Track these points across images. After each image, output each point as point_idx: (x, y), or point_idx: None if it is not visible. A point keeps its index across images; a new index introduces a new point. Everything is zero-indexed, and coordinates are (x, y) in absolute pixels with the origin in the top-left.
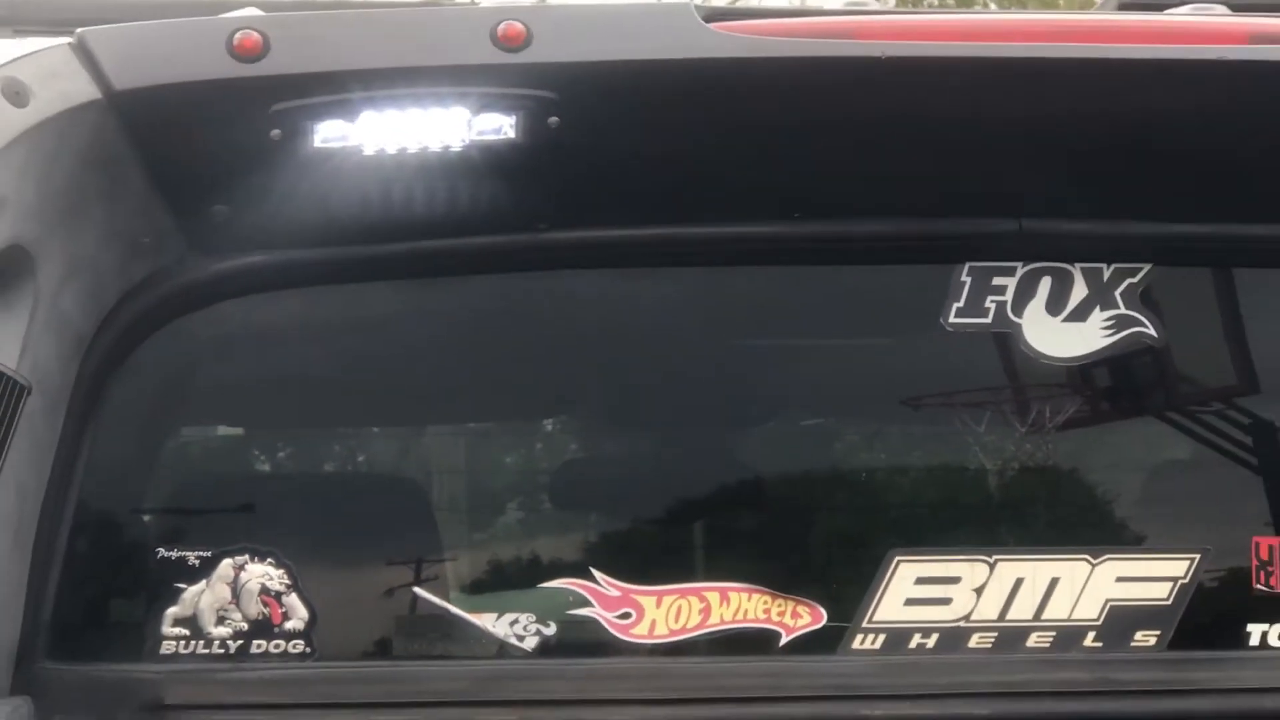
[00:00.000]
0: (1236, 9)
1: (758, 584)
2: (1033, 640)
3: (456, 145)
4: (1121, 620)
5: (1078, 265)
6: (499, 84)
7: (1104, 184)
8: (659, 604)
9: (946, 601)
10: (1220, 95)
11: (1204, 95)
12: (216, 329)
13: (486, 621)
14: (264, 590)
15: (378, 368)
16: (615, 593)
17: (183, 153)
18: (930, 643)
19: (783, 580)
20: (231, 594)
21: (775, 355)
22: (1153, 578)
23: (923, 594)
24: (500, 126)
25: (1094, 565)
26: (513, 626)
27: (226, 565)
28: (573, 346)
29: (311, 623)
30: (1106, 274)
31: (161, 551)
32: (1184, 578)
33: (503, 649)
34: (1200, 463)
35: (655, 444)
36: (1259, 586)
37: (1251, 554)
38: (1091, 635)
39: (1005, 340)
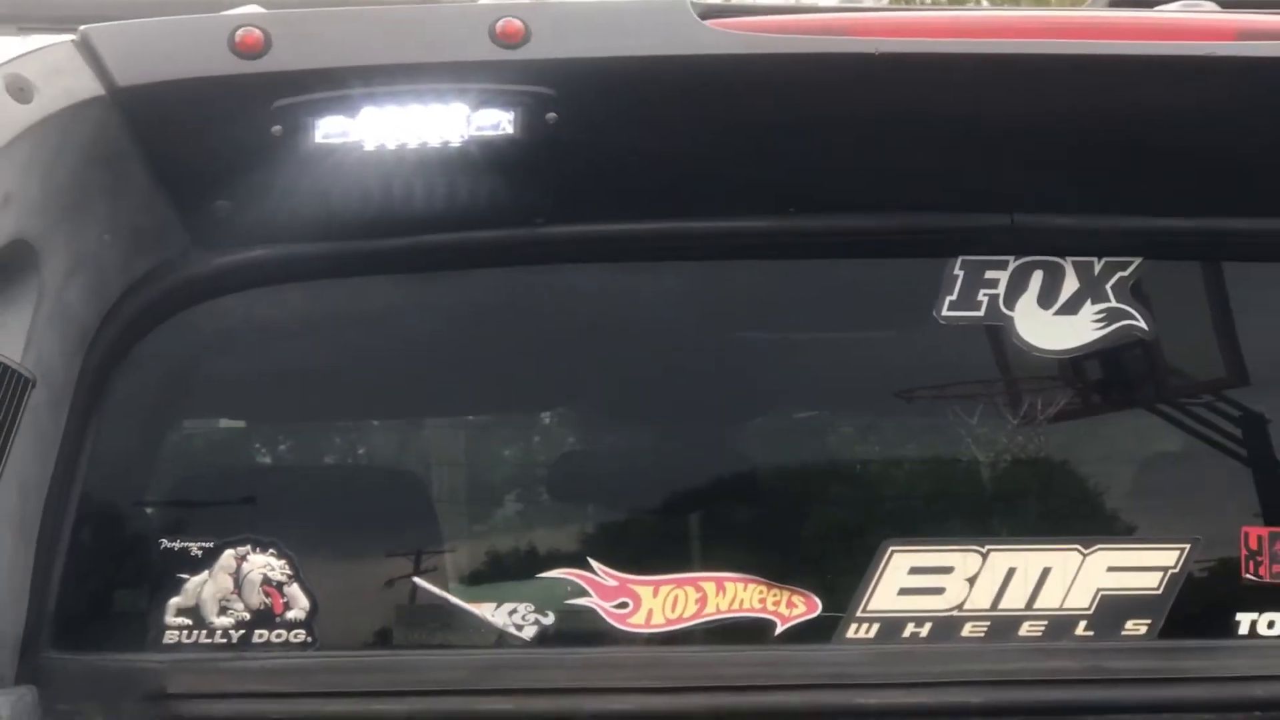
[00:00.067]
0: (1225, 6)
1: (753, 574)
2: (1025, 629)
3: (456, 141)
4: (1112, 609)
5: (1069, 259)
6: (498, 80)
7: (1095, 179)
8: (656, 594)
9: (940, 591)
10: (1209, 91)
11: (1193, 91)
12: (219, 323)
13: (485, 611)
14: (266, 580)
15: (378, 361)
16: (613, 582)
17: (185, 148)
18: (924, 632)
19: (778, 570)
20: (234, 584)
21: (770, 348)
22: (1143, 567)
23: (916, 584)
24: (499, 122)
25: (1085, 555)
26: (511, 616)
27: (228, 556)
28: (570, 340)
29: (313, 612)
30: (1097, 268)
31: (164, 542)
32: (1174, 567)
33: (501, 638)
34: (1190, 454)
35: (652, 436)
36: (1248, 576)
37: (1241, 544)
38: (1083, 624)
39: (997, 333)
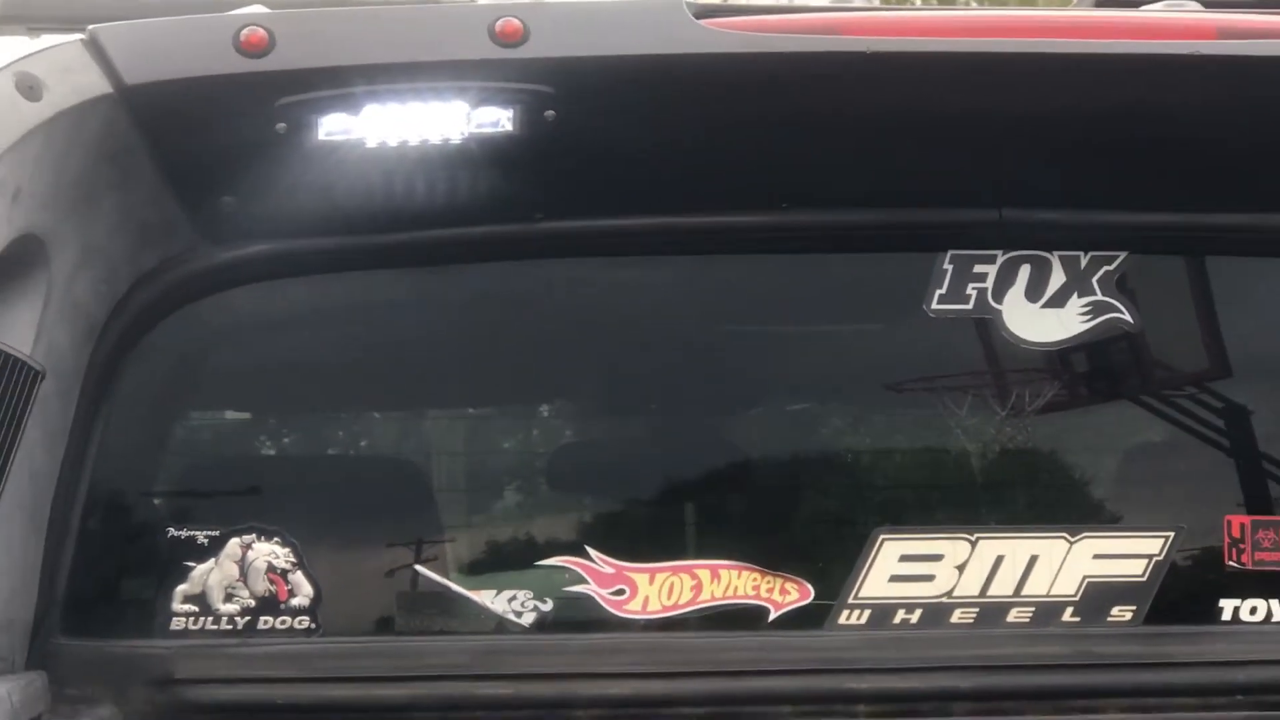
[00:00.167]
0: (1207, 5)
1: (747, 562)
2: (1013, 615)
3: (456, 138)
4: (1099, 596)
5: (1056, 253)
6: (497, 79)
7: (1081, 175)
8: (652, 581)
9: (930, 578)
10: (1192, 88)
11: (1176, 88)
12: (224, 316)
13: (485, 598)
14: (270, 568)
15: (380, 353)
16: (610, 570)
17: (191, 145)
18: (914, 618)
19: (771, 558)
20: (239, 572)
21: (763, 341)
22: (1129, 555)
23: (907, 571)
24: (498, 120)
25: (1072, 543)
26: (511, 603)
27: (234, 544)
28: (568, 333)
29: (317, 599)
30: (1084, 262)
31: (171, 531)
32: (1159, 555)
33: (501, 624)
34: (1174, 444)
35: (648, 427)
36: (1231, 563)
37: (1224, 532)
38: (1070, 610)
39: (986, 326)
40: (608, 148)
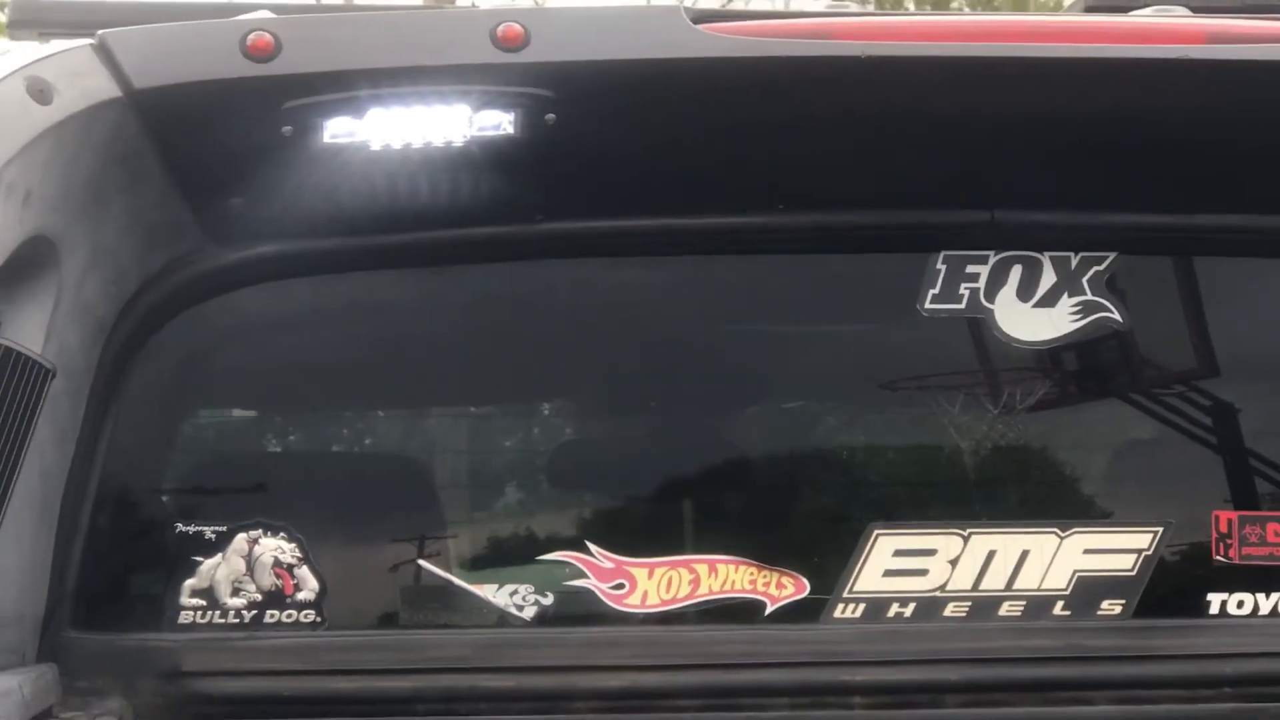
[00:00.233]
0: (1196, 10)
1: (744, 556)
2: (1004, 609)
3: (458, 141)
4: (1089, 590)
5: (1047, 254)
6: (499, 82)
7: (1072, 177)
8: (651, 575)
9: (923, 573)
10: (1180, 92)
11: (1165, 92)
12: (231, 315)
13: (487, 592)
14: (277, 563)
15: (384, 352)
16: (609, 564)
17: (199, 148)
18: (908, 612)
19: (768, 553)
20: (246, 566)
21: (760, 340)
22: (1118, 550)
23: (900, 565)
24: (500, 123)
25: (1062, 538)
26: (512, 597)
27: (241, 539)
28: (569, 332)
29: (322, 593)
30: (1074, 262)
31: (179, 526)
32: (1148, 550)
33: (503, 618)
34: (1163, 441)
35: (647, 425)
36: (1218, 558)
37: (1211, 527)
38: (1060, 604)
39: (978, 325)
40: (607, 150)
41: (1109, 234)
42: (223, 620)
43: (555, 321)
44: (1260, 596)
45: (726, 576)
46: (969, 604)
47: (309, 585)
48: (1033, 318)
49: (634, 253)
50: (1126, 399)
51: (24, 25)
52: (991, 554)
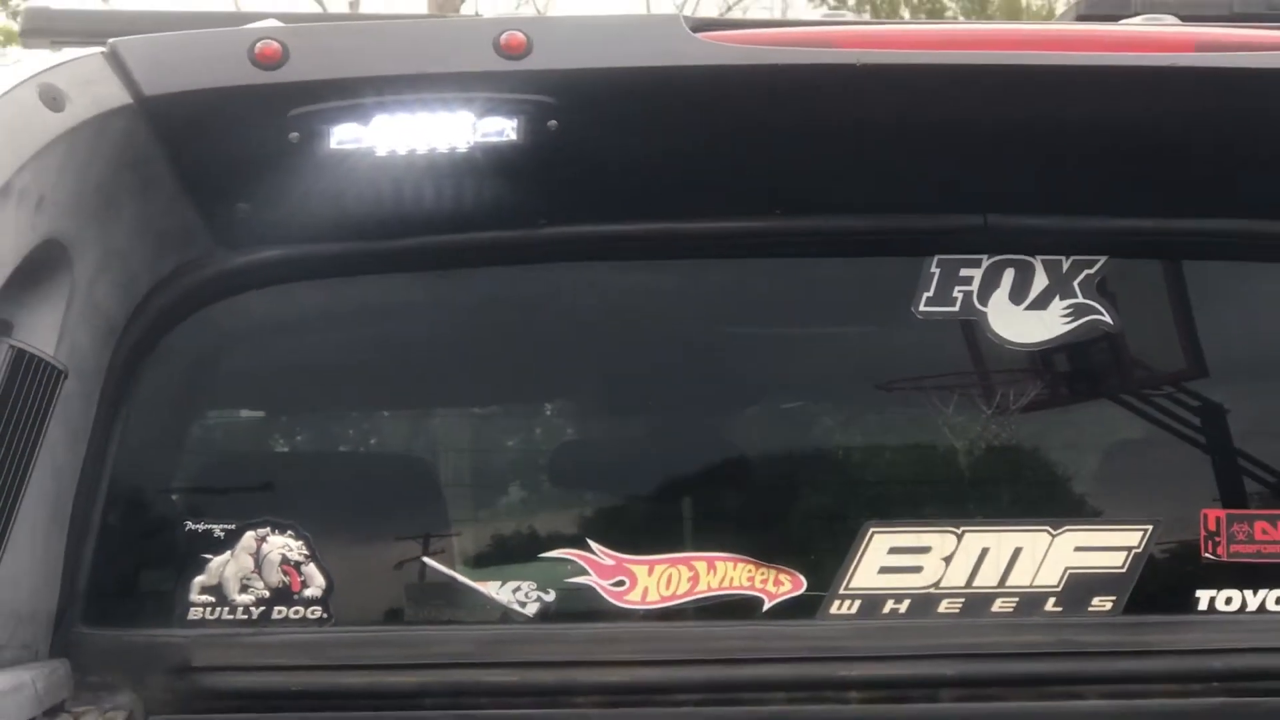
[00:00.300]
0: (1185, 19)
1: (742, 554)
2: (997, 605)
3: (462, 147)
4: (1080, 587)
5: (1039, 257)
6: (501, 90)
7: (1063, 182)
8: (651, 572)
9: (917, 570)
10: (1170, 99)
11: (1155, 99)
12: (240, 318)
13: (490, 589)
14: (284, 560)
15: (389, 354)
16: (610, 562)
17: (208, 154)
18: (902, 608)
19: (765, 550)
20: (254, 564)
21: (758, 342)
22: (1109, 547)
23: (895, 563)
24: (503, 129)
25: (1054, 536)
26: (515, 593)
27: (249, 537)
28: (570, 335)
29: (329, 590)
30: (1065, 265)
31: (189, 524)
32: (1138, 547)
33: (506, 614)
34: (1153, 441)
35: (647, 425)
36: (1207, 555)
37: (1200, 525)
38: (1052, 601)
39: (972, 327)
40: (608, 156)
41: (1099, 238)
42: (231, 616)
43: (557, 324)
44: (1248, 593)
45: (725, 573)
46: (962, 600)
47: (316, 582)
48: (1025, 320)
49: (635, 256)
50: (1117, 399)
51: (36, 34)
52: (985, 551)
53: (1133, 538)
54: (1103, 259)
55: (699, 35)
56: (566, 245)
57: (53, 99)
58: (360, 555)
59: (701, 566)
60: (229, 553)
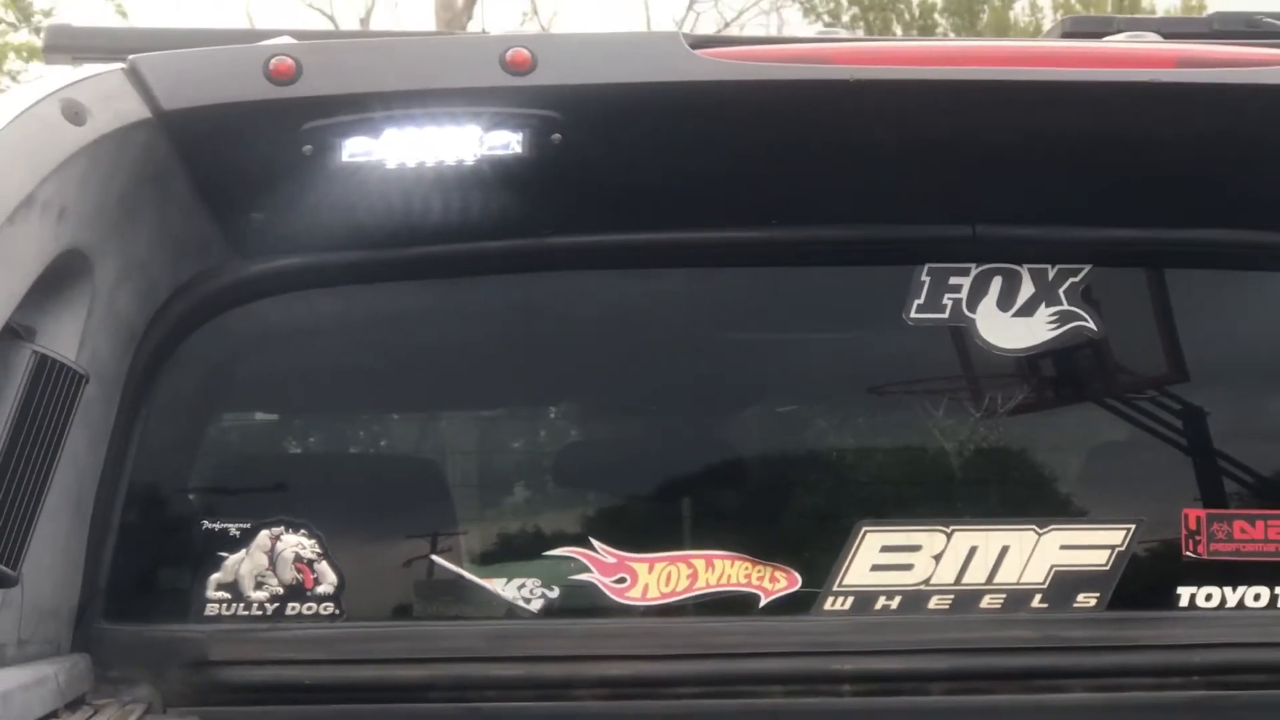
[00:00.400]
0: (1167, 36)
1: (739, 552)
2: (985, 602)
3: (469, 160)
4: (1065, 584)
5: (1026, 266)
6: (507, 104)
7: (1049, 193)
8: (651, 570)
9: (908, 568)
10: (1152, 114)
11: (1138, 113)
12: (255, 325)
13: (496, 586)
14: (298, 558)
15: (399, 359)
16: (612, 560)
17: (225, 166)
18: (894, 604)
19: (762, 548)
20: (268, 561)
21: (755, 348)
22: (1093, 546)
23: (887, 561)
24: (508, 143)
25: (1040, 535)
26: (520, 590)
27: (264, 536)
28: (574, 341)
29: (340, 587)
30: (1051, 274)
31: (205, 523)
32: (1121, 546)
33: (511, 610)
34: (1135, 443)
35: (648, 428)
36: (1188, 553)
37: (1181, 525)
38: (1038, 597)
39: (961, 334)
40: (611, 168)
41: (1084, 247)
42: (246, 612)
43: (561, 331)
44: (1228, 590)
45: (723, 571)
46: (952, 597)
47: (328, 579)
48: (1012, 326)
49: (636, 265)
50: (1101, 403)
51: (58, 50)
52: (973, 550)
53: (1116, 537)
54: (1087, 268)
55: (698, 52)
56: (570, 254)
57: (75, 113)
58: (371, 553)
59: (700, 564)
60: (244, 551)
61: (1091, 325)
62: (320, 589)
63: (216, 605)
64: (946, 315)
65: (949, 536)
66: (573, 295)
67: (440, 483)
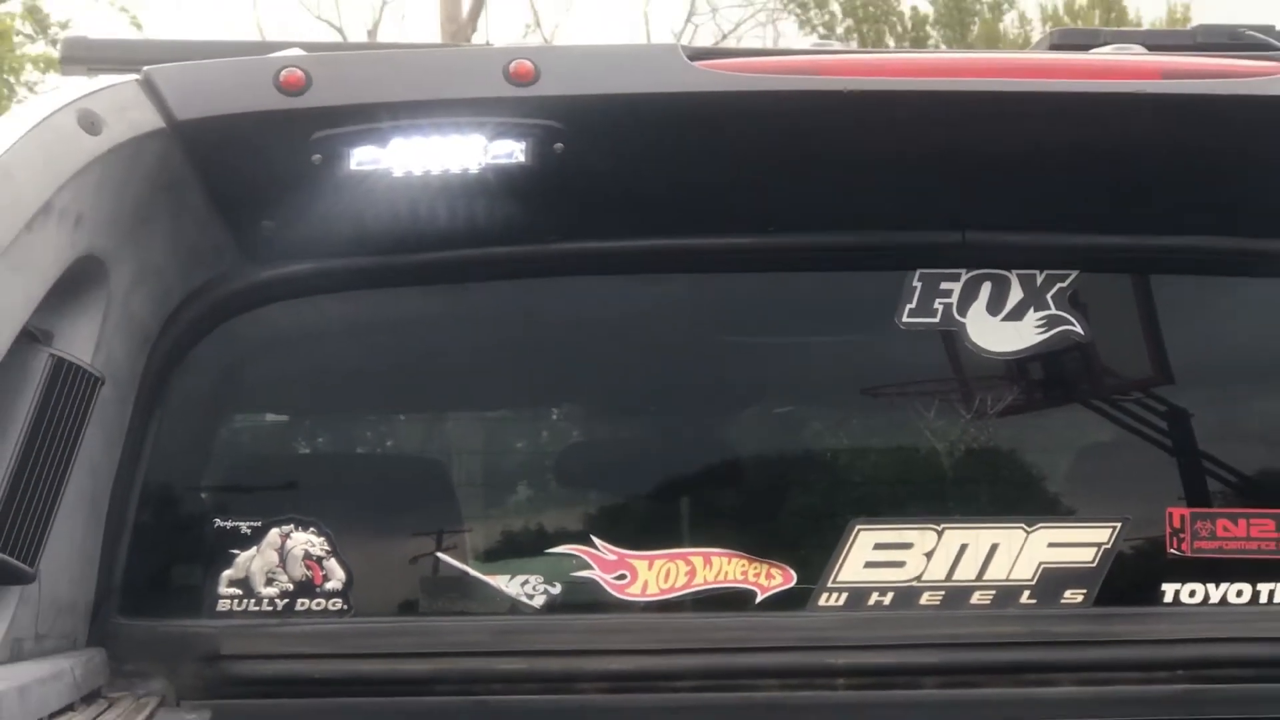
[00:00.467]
0: (1152, 49)
1: (736, 549)
2: (975, 598)
3: (474, 168)
4: (1053, 580)
5: (1014, 271)
6: (511, 115)
7: (1037, 200)
8: (650, 567)
9: (900, 565)
10: (1137, 123)
11: (1124, 124)
12: (265, 328)
13: (500, 582)
14: (307, 555)
15: (406, 362)
16: (612, 557)
17: (236, 175)
18: (886, 600)
19: (758, 546)
20: (279, 558)
21: (752, 350)
22: (1080, 543)
23: (880, 558)
24: (512, 152)
25: (1029, 533)
26: (523, 586)
27: (274, 534)
28: (576, 344)
29: (349, 583)
30: (1039, 279)
31: (217, 521)
32: (1107, 543)
33: (514, 606)
34: (1121, 444)
35: (648, 428)
36: (1172, 551)
37: (1166, 523)
38: (1027, 594)
39: (951, 337)
40: (611, 177)
41: (1071, 253)
42: (257, 608)
43: (563, 334)
44: (1210, 586)
45: (720, 568)
46: (943, 593)
47: (337, 576)
48: (1001, 330)
49: (636, 270)
50: (1087, 405)
51: (75, 62)
52: (964, 547)
53: (1102, 535)
54: (1074, 273)
55: (696, 63)
56: (571, 260)
57: (90, 123)
58: (378, 550)
59: (698, 561)
60: (255, 548)
61: (1078, 329)
62: (329, 585)
63: (228, 601)
64: (938, 319)
65: (940, 534)
66: (574, 300)
67: (445, 482)
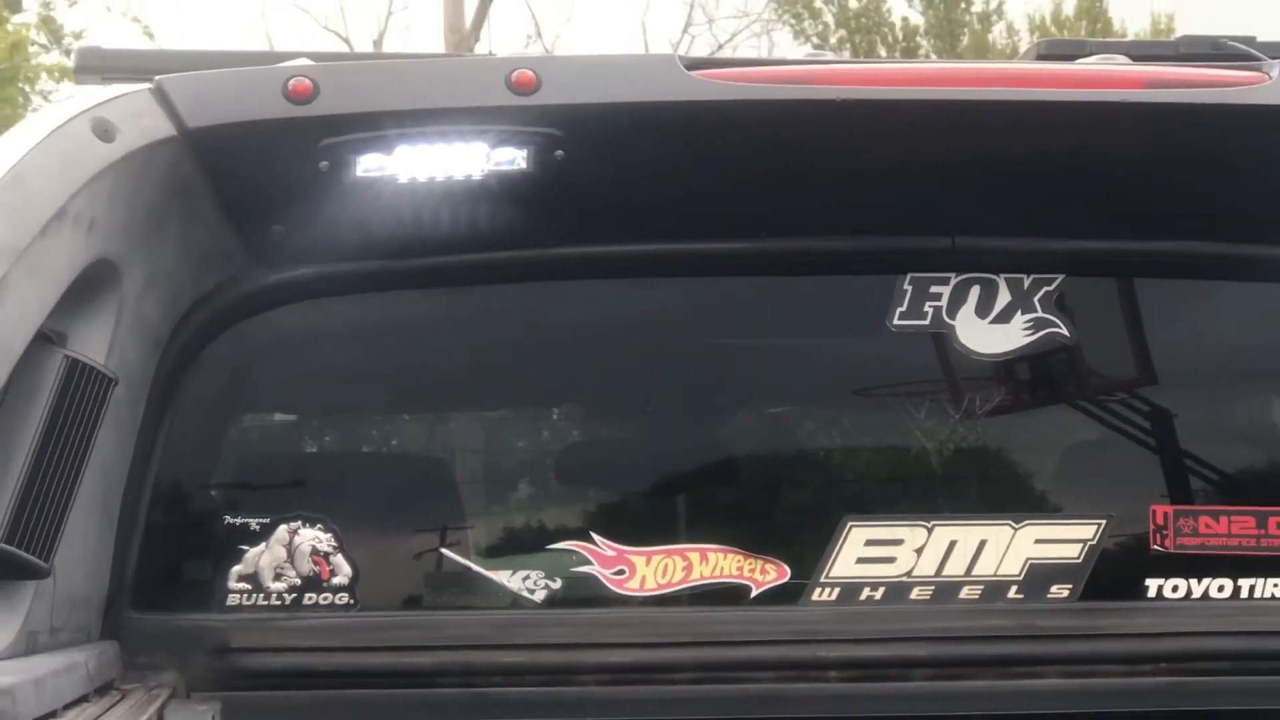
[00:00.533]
0: (1135, 59)
1: (732, 545)
2: (964, 593)
3: (477, 175)
4: (1039, 576)
5: (1002, 275)
6: (513, 123)
7: (1025, 206)
8: (648, 562)
9: (892, 560)
10: (1122, 132)
11: (1109, 132)
12: (274, 331)
13: (502, 577)
14: (314, 551)
15: (411, 363)
16: (611, 553)
17: (246, 181)
18: (878, 595)
19: (753, 542)
20: (287, 554)
21: (747, 352)
22: (1066, 540)
23: (872, 554)
24: (514, 159)
25: (1016, 529)
26: (524, 581)
27: (282, 530)
28: (576, 346)
29: (355, 578)
30: (1027, 283)
31: (227, 518)
32: (1092, 540)
33: (516, 600)
34: (1106, 443)
35: (646, 428)
36: (1156, 547)
37: (1149, 520)
38: (1014, 589)
39: (941, 339)
40: (611, 183)
41: (1058, 258)
42: (266, 602)
43: (564, 336)
44: (1193, 582)
45: (716, 563)
46: (933, 588)
47: (343, 571)
48: (990, 333)
49: (634, 274)
50: (1073, 405)
51: (89, 71)
52: (953, 544)
53: (1088, 531)
54: (1061, 277)
55: (693, 73)
56: (572, 264)
57: (104, 131)
58: (384, 546)
59: (695, 557)
60: (264, 544)
61: (1065, 331)
62: (336, 580)
63: (238, 596)
64: (927, 322)
65: (930, 531)
66: (574, 303)
67: (449, 480)
